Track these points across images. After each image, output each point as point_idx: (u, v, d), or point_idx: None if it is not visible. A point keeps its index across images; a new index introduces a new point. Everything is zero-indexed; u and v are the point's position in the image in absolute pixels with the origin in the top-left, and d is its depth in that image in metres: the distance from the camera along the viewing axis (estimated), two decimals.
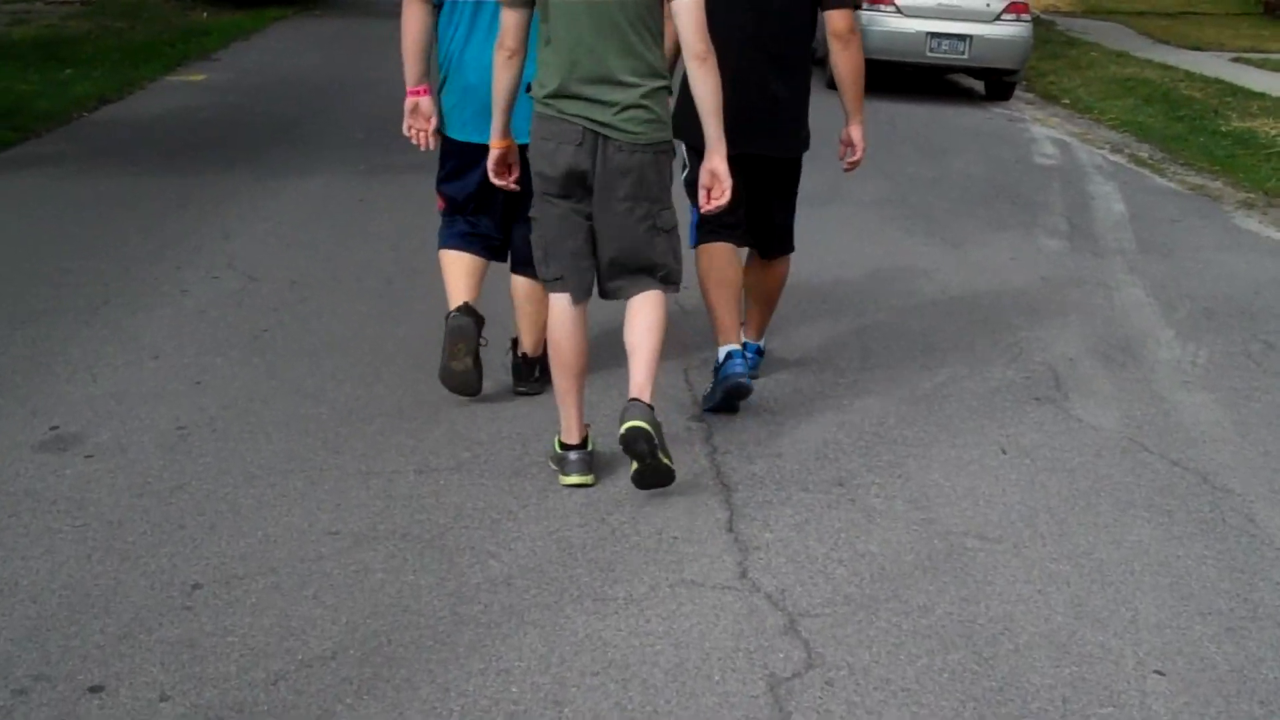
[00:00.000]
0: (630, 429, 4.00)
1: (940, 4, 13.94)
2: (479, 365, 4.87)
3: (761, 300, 5.33)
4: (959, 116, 13.31)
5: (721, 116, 4.04)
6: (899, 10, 13.90)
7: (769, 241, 5.18)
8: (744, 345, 5.05)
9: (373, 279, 6.56)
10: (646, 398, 4.08)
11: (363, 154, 9.73)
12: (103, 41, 15.64)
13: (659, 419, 4.15)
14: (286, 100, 12.32)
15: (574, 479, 4.27)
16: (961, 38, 13.81)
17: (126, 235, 7.13)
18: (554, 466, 4.37)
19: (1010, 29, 13.95)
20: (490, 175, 4.39)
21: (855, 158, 5.07)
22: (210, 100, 12.13)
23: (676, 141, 4.45)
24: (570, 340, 4.22)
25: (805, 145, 5.06)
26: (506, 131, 4.28)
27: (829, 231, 7.89)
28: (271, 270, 6.60)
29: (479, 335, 4.83)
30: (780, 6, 4.77)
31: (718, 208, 4.16)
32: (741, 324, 5.06)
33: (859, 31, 4.86)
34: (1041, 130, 12.70)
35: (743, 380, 4.78)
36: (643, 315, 4.16)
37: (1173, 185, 10.15)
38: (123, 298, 6.04)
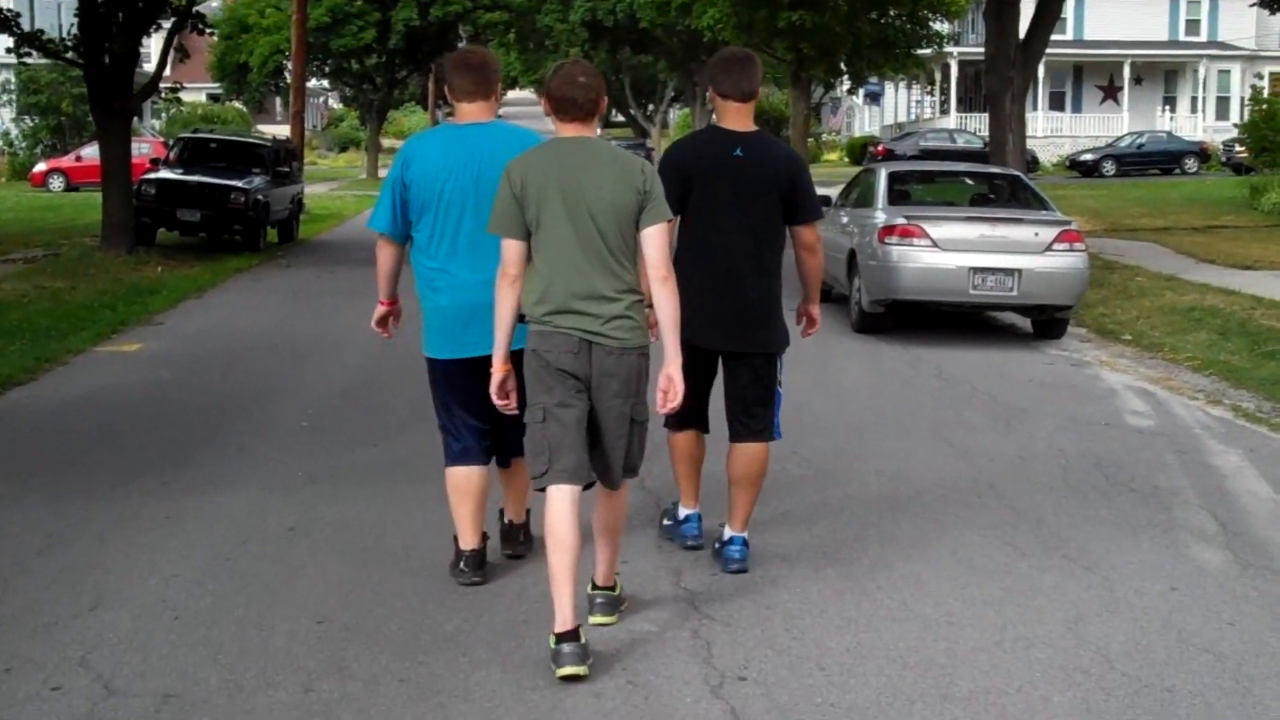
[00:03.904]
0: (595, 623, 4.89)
1: (983, 236, 12.20)
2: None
3: (745, 484, 5.71)
4: (1014, 362, 11.44)
5: (679, 333, 4.70)
6: (935, 245, 12.14)
7: (748, 425, 5.74)
8: (730, 540, 5.70)
9: (288, 681, 4.51)
10: (610, 582, 5.06)
11: (306, 451, 7.79)
12: (34, 306, 13.91)
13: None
14: (228, 375, 10.45)
15: (568, 670, 4.52)
16: (1009, 272, 12.03)
17: None
18: (552, 663, 4.56)
19: (1064, 260, 12.18)
20: (493, 397, 4.92)
21: (813, 329, 6.14)
22: (137, 379, 10.25)
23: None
24: (567, 524, 4.66)
25: (784, 342, 5.82)
26: (507, 357, 4.86)
27: (914, 560, 5.89)
28: (141, 676, 4.55)
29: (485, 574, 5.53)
30: (755, 222, 5.63)
31: (672, 410, 4.78)
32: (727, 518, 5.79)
33: (820, 239, 5.92)
34: (1115, 378, 10.82)
35: (691, 545, 5.90)
36: (615, 502, 4.96)
37: None
38: None
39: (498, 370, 4.84)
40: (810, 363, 11.00)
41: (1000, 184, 14.60)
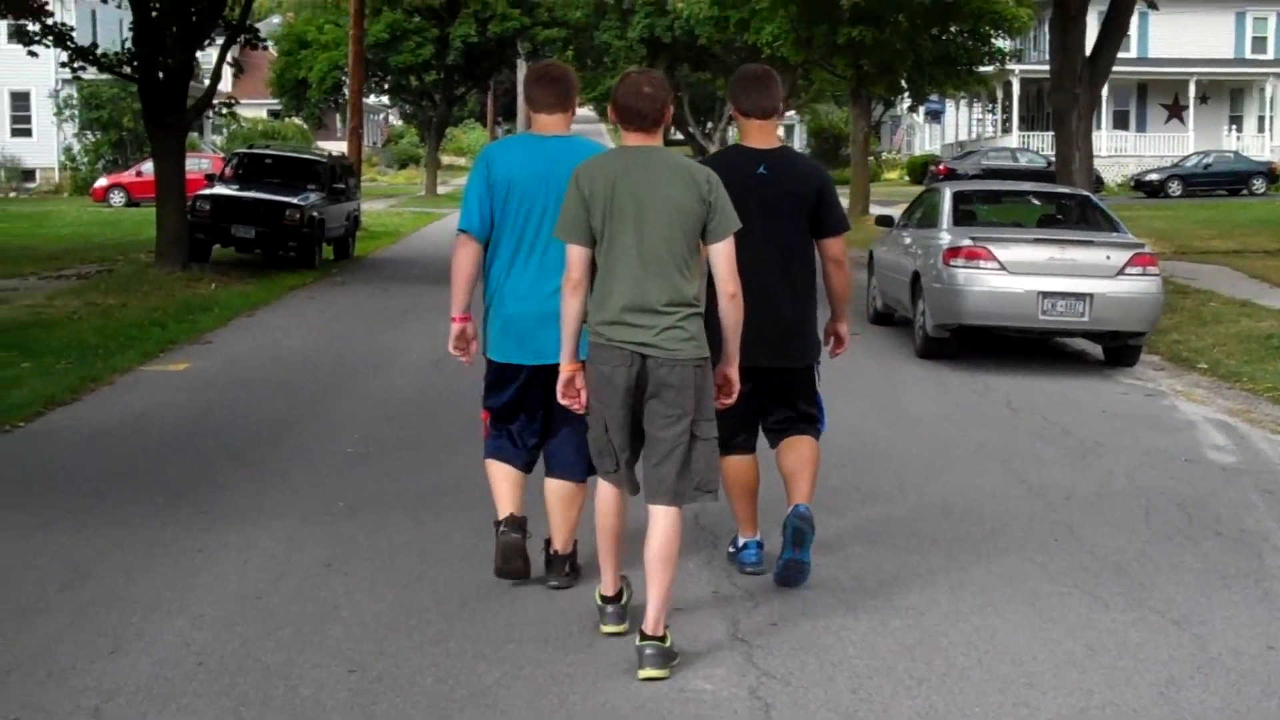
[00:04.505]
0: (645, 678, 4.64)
1: (1053, 259, 11.73)
2: (528, 562, 5.58)
3: (799, 469, 5.76)
4: (1085, 391, 10.99)
5: (739, 338, 4.94)
6: (1003, 267, 11.70)
7: (793, 423, 5.85)
8: (793, 508, 5.65)
9: None
10: (660, 631, 4.72)
11: (349, 478, 7.50)
12: (83, 324, 13.76)
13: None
14: (276, 396, 10.19)
15: (609, 628, 5.05)
16: (1080, 297, 11.56)
17: None
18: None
19: (1137, 284, 11.69)
20: (559, 397, 5.03)
21: (841, 349, 6.08)
22: (183, 399, 10.02)
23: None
24: (613, 517, 5.00)
25: (816, 352, 5.91)
26: (575, 356, 4.93)
27: (988, 611, 5.49)
28: None
29: (525, 543, 5.56)
30: (784, 238, 5.67)
31: (727, 405, 5.03)
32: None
33: (848, 254, 5.95)
34: (1193, 409, 10.34)
35: (753, 570, 5.81)
36: (659, 538, 4.76)
37: None
38: None
39: (565, 369, 4.96)
40: (873, 389, 10.64)
41: (1069, 204, 14.13)
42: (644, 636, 4.72)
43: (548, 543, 5.69)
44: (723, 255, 4.81)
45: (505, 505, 5.61)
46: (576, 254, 4.83)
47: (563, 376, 4.97)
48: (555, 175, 5.28)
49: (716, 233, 4.80)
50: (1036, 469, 8.05)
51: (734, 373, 5.00)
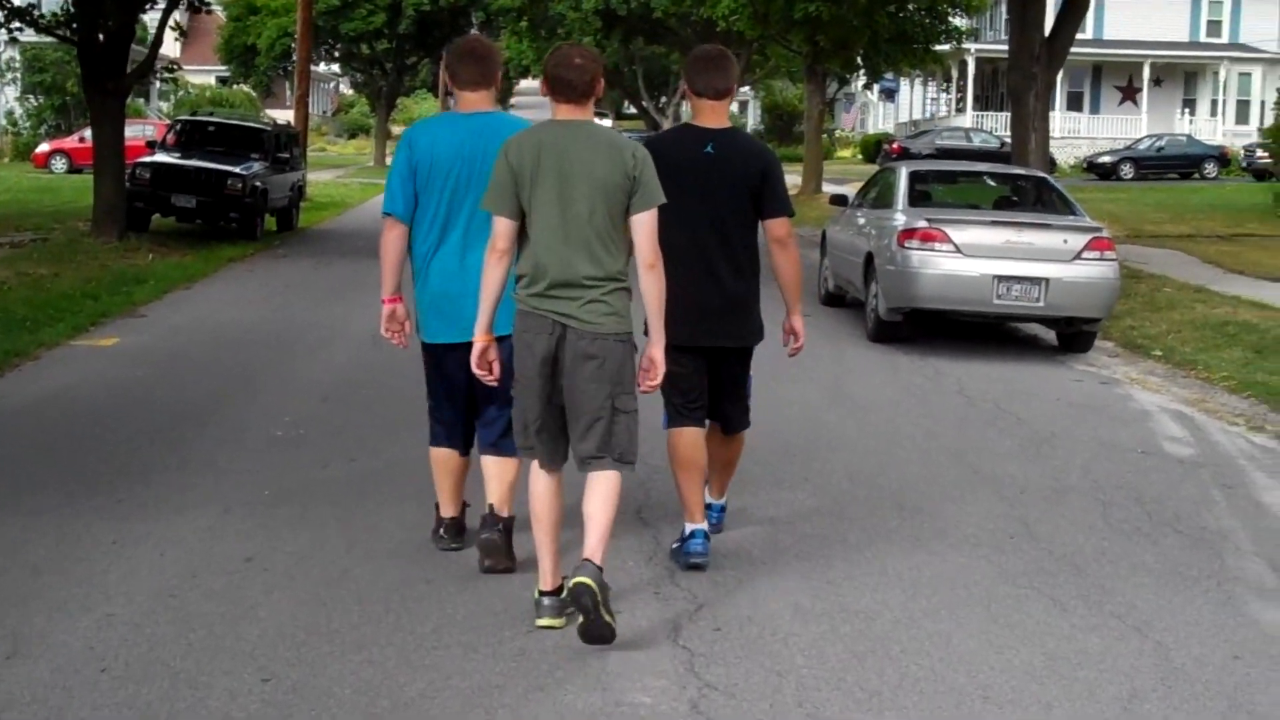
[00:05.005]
0: (577, 584, 4.58)
1: (1008, 241, 11.50)
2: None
3: (722, 467, 6.06)
4: (1039, 379, 10.77)
5: (663, 316, 4.88)
6: (958, 250, 11.46)
7: (725, 419, 5.93)
8: (708, 506, 5.88)
9: None
10: (597, 559, 4.70)
11: (277, 464, 7.17)
12: (12, 295, 13.26)
13: (609, 582, 4.72)
14: (207, 374, 9.81)
15: (545, 621, 4.88)
16: (1035, 281, 11.34)
17: None
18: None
19: (1094, 269, 11.49)
20: (473, 367, 4.99)
21: (798, 345, 5.94)
22: (110, 376, 9.63)
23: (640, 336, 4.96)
24: (544, 501, 4.94)
25: (759, 336, 5.88)
26: (489, 328, 4.94)
27: (943, 616, 5.25)
28: None
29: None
30: (725, 217, 5.66)
31: (651, 389, 4.98)
32: (706, 483, 5.92)
33: (794, 235, 5.80)
34: (1148, 398, 10.15)
35: (699, 561, 5.58)
36: (599, 489, 4.85)
37: None
38: None
39: (479, 339, 4.94)
40: (823, 374, 10.39)
41: (1025, 186, 13.94)
42: (582, 561, 4.69)
43: (491, 508, 5.55)
44: (643, 227, 4.80)
45: (446, 504, 5.75)
46: (502, 225, 4.84)
47: (476, 347, 4.95)
48: (477, 151, 5.35)
49: (638, 206, 4.80)
50: (990, 461, 7.82)
51: (658, 354, 4.89)
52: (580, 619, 4.59)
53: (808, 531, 6.29)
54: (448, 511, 5.76)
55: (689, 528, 5.65)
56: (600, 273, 4.78)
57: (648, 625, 5.01)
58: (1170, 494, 7.23)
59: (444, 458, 5.73)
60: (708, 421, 5.85)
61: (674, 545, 5.79)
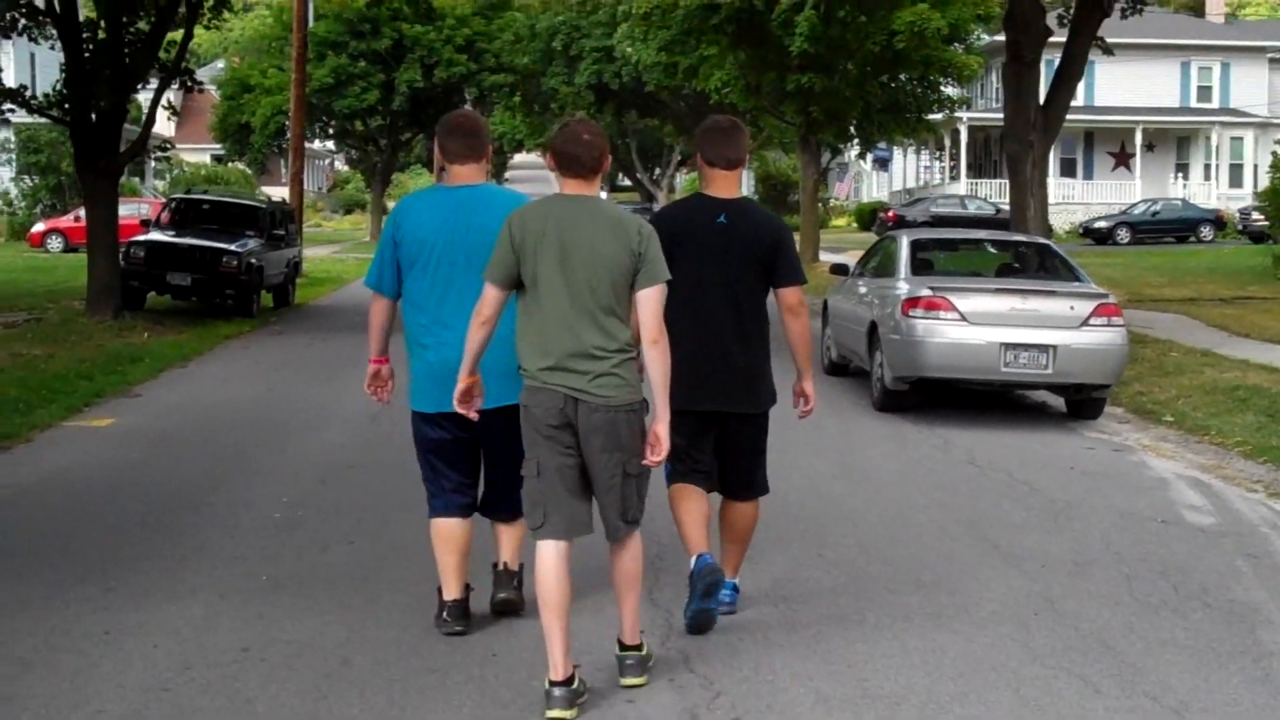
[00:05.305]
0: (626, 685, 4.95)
1: (1015, 309, 11.36)
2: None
3: (735, 540, 5.97)
4: (1050, 447, 10.58)
5: (668, 391, 4.85)
6: (964, 318, 11.32)
7: (737, 486, 5.89)
8: (705, 563, 5.58)
9: None
10: (637, 640, 5.01)
11: (274, 549, 6.95)
12: (5, 376, 13.06)
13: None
14: (202, 455, 9.61)
15: (556, 713, 4.70)
16: (1043, 348, 11.19)
17: None
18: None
19: (1102, 336, 11.33)
20: (455, 404, 5.07)
21: (808, 408, 6.02)
22: (104, 459, 9.43)
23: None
24: (557, 583, 4.80)
25: (770, 400, 5.88)
26: (473, 370, 5.06)
27: (970, 700, 5.02)
28: None
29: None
30: (737, 287, 5.72)
31: (654, 464, 4.92)
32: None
33: (805, 303, 5.86)
34: (1163, 465, 9.96)
35: (728, 610, 5.80)
36: (623, 564, 4.99)
37: None
38: None
39: (463, 380, 5.04)
40: (831, 445, 10.20)
41: (1028, 253, 13.81)
42: (623, 647, 5.00)
43: (494, 566, 5.82)
44: (648, 303, 4.84)
45: (450, 585, 5.64)
46: (491, 294, 4.92)
47: (460, 387, 5.04)
48: (462, 224, 5.46)
49: (643, 282, 4.85)
50: (1007, 533, 7.61)
51: (663, 430, 4.88)
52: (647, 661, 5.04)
53: (825, 611, 6.07)
54: (451, 594, 5.63)
55: (694, 558, 5.58)
56: (611, 345, 4.81)
57: (663, 717, 4.78)
58: (1195, 565, 7.02)
59: (446, 530, 5.66)
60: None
61: (685, 606, 5.65)
